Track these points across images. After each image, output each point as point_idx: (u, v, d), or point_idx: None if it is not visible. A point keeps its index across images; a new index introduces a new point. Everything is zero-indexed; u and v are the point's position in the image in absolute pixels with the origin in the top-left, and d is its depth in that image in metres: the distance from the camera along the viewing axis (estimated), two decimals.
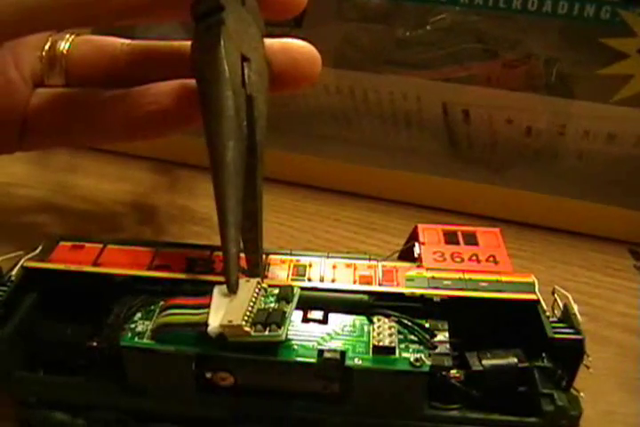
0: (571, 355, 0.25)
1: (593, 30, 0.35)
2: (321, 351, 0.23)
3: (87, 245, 0.28)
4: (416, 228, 0.30)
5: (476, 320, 0.26)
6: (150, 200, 0.41)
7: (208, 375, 0.24)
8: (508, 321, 0.26)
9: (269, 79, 0.27)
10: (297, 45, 0.29)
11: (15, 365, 0.25)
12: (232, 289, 0.24)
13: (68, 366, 0.25)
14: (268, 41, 0.28)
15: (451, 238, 0.30)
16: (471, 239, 0.30)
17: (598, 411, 0.29)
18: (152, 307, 0.25)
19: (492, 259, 0.29)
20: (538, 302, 0.26)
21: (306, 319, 0.25)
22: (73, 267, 0.27)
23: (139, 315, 0.25)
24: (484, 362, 0.25)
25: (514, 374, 0.25)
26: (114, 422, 0.25)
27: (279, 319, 0.23)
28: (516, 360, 0.25)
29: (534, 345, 0.25)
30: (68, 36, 0.30)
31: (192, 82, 0.27)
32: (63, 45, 0.30)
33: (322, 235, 0.39)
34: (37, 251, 0.27)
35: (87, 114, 0.29)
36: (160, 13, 0.26)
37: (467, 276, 0.27)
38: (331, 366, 0.23)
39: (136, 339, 0.24)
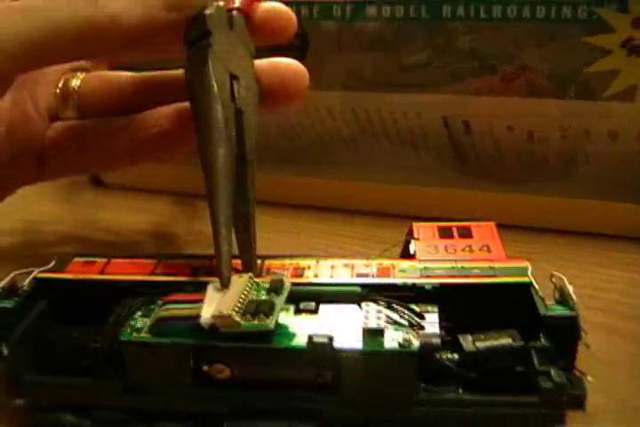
0: (566, 333, 0.25)
1: (574, 30, 0.35)
2: (310, 337, 0.24)
3: (99, 260, 0.30)
4: (411, 226, 0.31)
5: (470, 306, 0.26)
6: (169, 228, 0.43)
7: (205, 369, 0.25)
8: (503, 306, 0.26)
9: (259, 96, 0.29)
10: (285, 63, 0.31)
11: (25, 368, 0.26)
12: (224, 283, 0.25)
13: (75, 369, 0.26)
14: (257, 61, 0.30)
15: (445, 233, 0.30)
16: (465, 232, 0.30)
17: (612, 400, 0.28)
18: (152, 306, 0.26)
19: (485, 248, 0.29)
20: (530, 283, 0.26)
21: (298, 310, 0.26)
22: (79, 276, 0.28)
23: (139, 313, 0.26)
24: (478, 343, 0.25)
25: (509, 355, 0.25)
26: (119, 422, 0.26)
27: (268, 309, 0.24)
28: (510, 340, 0.25)
29: (529, 327, 0.25)
30: (79, 73, 0.33)
31: (188, 104, 0.29)
32: (75, 82, 0.32)
33: (336, 251, 0.41)
34: (50, 265, 0.29)
35: (97, 141, 0.32)
36: (157, 43, 0.28)
37: (459, 265, 0.28)
38: (320, 350, 0.24)
39: (134, 334, 0.25)
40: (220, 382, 0.25)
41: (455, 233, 0.30)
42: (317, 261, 0.29)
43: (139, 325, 0.25)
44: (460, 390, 0.25)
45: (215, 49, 0.27)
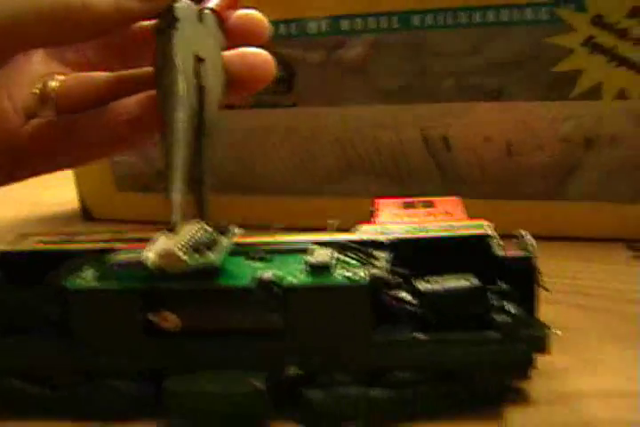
0: (523, 274, 0.24)
1: (537, 32, 0.37)
2: (257, 276, 0.23)
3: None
4: (374, 200, 0.31)
5: (430, 262, 0.25)
6: None
7: (152, 318, 0.24)
8: (462, 260, 0.25)
9: (226, 81, 0.30)
10: (251, 51, 0.32)
11: None
12: (173, 227, 0.25)
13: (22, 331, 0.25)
14: (225, 52, 0.31)
15: (408, 205, 0.30)
16: (428, 204, 0.30)
17: (582, 359, 0.28)
18: (101, 260, 0.26)
19: (447, 214, 0.29)
20: (488, 235, 0.26)
21: (247, 258, 0.25)
22: (35, 247, 0.28)
23: (87, 266, 0.25)
24: (433, 285, 0.24)
25: (465, 295, 0.24)
26: (66, 384, 0.25)
27: (214, 247, 0.23)
28: (466, 282, 0.24)
29: (488, 275, 0.24)
30: (57, 76, 0.34)
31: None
32: (53, 84, 0.34)
33: None
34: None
35: (69, 134, 0.33)
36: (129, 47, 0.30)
37: (419, 225, 0.27)
38: (267, 288, 0.23)
39: (81, 282, 0.24)
40: (168, 333, 0.24)
41: (418, 205, 0.30)
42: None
43: (85, 275, 0.25)
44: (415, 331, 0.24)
45: (181, 33, 0.28)
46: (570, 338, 0.27)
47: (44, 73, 0.34)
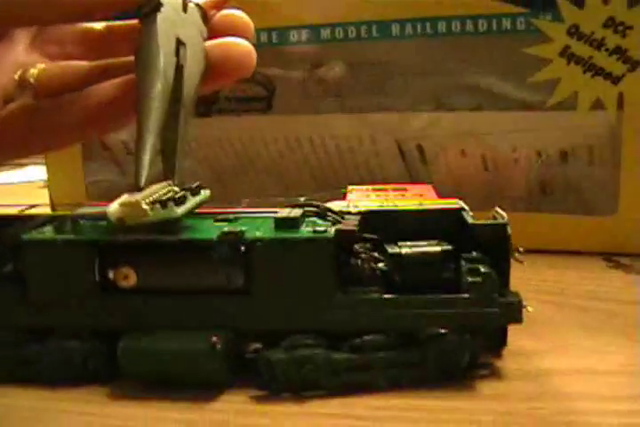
0: (496, 241, 0.23)
1: (514, 42, 0.37)
2: (220, 229, 0.22)
3: None
4: (346, 187, 0.30)
5: (400, 235, 0.25)
6: None
7: (110, 276, 0.23)
8: (433, 233, 0.25)
9: (205, 67, 0.30)
10: (232, 41, 0.32)
11: None
12: (138, 185, 0.24)
13: None
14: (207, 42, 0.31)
15: (379, 189, 0.30)
16: (400, 188, 0.30)
17: (552, 343, 0.27)
18: (63, 218, 0.25)
19: (418, 195, 0.28)
20: (462, 208, 0.25)
21: (215, 220, 0.25)
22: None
23: (48, 224, 0.25)
24: (404, 249, 0.23)
25: (437, 258, 0.23)
26: (11, 342, 0.23)
27: (179, 199, 0.23)
28: (438, 246, 0.23)
29: (460, 247, 0.24)
30: (38, 64, 0.34)
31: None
32: (33, 71, 0.34)
33: None
34: None
35: (45, 116, 0.32)
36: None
37: (390, 202, 0.27)
38: (231, 240, 0.22)
39: (38, 234, 0.23)
40: (125, 291, 0.23)
41: (389, 189, 0.30)
42: None
43: (45, 230, 0.24)
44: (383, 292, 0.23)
45: (164, 16, 0.29)
46: (540, 327, 0.27)
47: (26, 62, 0.34)
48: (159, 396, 0.22)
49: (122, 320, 0.23)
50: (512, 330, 0.24)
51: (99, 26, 0.34)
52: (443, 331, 0.22)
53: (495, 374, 0.24)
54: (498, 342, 0.24)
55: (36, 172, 0.72)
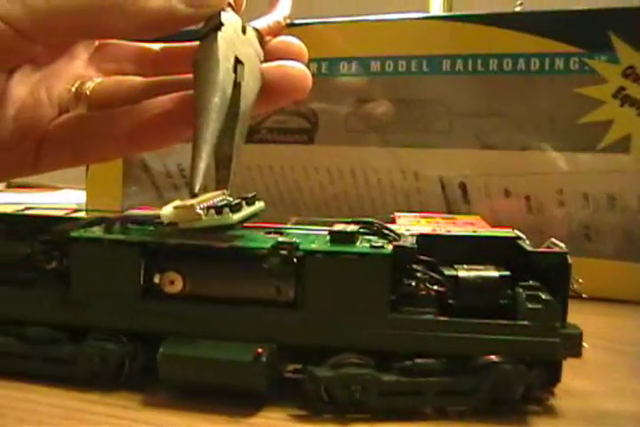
0: (555, 271, 0.23)
1: (566, 82, 0.37)
2: (274, 239, 0.22)
3: None
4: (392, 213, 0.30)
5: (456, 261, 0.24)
6: None
7: (156, 280, 0.22)
8: (489, 262, 0.24)
9: (261, 86, 0.30)
10: (290, 63, 0.32)
11: None
12: (192, 191, 0.24)
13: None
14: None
15: (428, 218, 0.29)
16: (449, 218, 0.29)
17: (606, 385, 0.26)
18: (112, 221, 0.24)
19: (469, 224, 0.27)
20: (519, 237, 0.25)
21: (269, 233, 0.24)
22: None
23: (97, 225, 0.24)
24: (461, 272, 0.22)
25: (494, 283, 0.22)
26: (47, 340, 0.23)
27: (234, 206, 0.22)
28: (495, 271, 0.22)
29: (517, 274, 0.23)
30: (95, 79, 0.35)
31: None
32: (89, 84, 0.34)
33: None
34: None
35: (96, 125, 0.32)
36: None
37: (442, 228, 0.26)
38: (284, 251, 0.21)
39: (86, 232, 0.23)
40: (170, 296, 0.22)
41: (438, 218, 0.29)
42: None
43: (93, 230, 0.24)
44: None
45: (224, 35, 0.29)
46: (592, 369, 0.26)
47: (83, 76, 0.35)
48: (195, 406, 0.21)
49: (163, 326, 0.22)
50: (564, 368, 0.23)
51: (156, 47, 0.35)
52: (498, 359, 0.21)
53: (549, 411, 0.22)
54: (551, 377, 0.23)
55: (72, 195, 0.73)
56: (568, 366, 0.22)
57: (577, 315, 0.23)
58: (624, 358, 0.29)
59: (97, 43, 0.34)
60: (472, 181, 0.41)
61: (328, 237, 0.22)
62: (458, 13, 0.42)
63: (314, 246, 0.22)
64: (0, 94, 0.30)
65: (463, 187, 0.41)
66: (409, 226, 0.26)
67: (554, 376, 0.23)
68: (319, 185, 0.44)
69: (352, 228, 0.23)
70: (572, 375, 0.23)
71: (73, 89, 0.34)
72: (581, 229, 0.40)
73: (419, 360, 0.21)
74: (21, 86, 0.31)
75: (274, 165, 0.45)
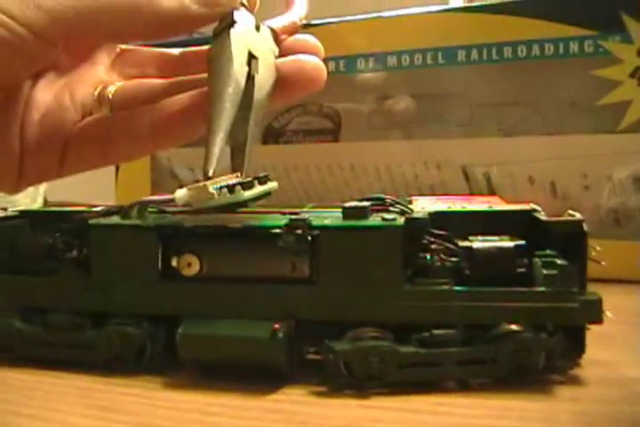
0: (571, 239, 0.22)
1: (582, 65, 0.37)
2: (288, 217, 0.22)
3: None
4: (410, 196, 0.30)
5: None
6: None
7: (174, 263, 0.23)
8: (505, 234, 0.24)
9: (275, 79, 0.31)
10: (305, 57, 0.33)
11: None
12: (206, 174, 0.24)
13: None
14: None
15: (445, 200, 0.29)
16: (466, 199, 0.29)
17: (631, 355, 0.25)
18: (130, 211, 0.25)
19: (486, 202, 0.27)
20: (535, 209, 0.24)
21: (283, 214, 0.24)
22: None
23: (115, 215, 0.25)
24: (476, 243, 0.22)
25: (509, 254, 0.22)
26: (70, 326, 0.23)
27: (246, 184, 0.23)
28: (510, 242, 0.22)
29: (533, 245, 0.23)
30: (117, 83, 0.36)
31: None
32: (111, 88, 0.35)
33: None
34: None
35: (119, 125, 0.33)
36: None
37: (458, 205, 0.26)
38: (298, 227, 0.22)
39: (105, 220, 0.23)
40: (188, 278, 0.23)
41: (456, 199, 0.29)
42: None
43: (112, 218, 0.24)
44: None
45: (238, 32, 0.30)
46: (618, 341, 0.26)
47: (105, 80, 0.36)
48: (215, 385, 0.22)
49: (182, 308, 0.23)
50: (588, 342, 0.22)
51: (175, 52, 0.35)
52: (517, 327, 0.21)
53: (573, 379, 0.22)
54: (575, 346, 0.22)
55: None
56: (594, 339, 0.22)
57: (608, 296, 0.22)
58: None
59: (118, 49, 0.35)
60: (495, 169, 0.41)
61: (341, 214, 0.22)
62: (475, 4, 0.42)
63: (327, 222, 0.22)
64: (25, 100, 0.31)
65: (487, 176, 0.41)
66: (425, 206, 0.26)
67: (578, 345, 0.22)
68: (344, 182, 0.45)
69: (364, 204, 0.23)
70: (598, 348, 0.23)
71: (96, 93, 0.34)
72: (611, 214, 0.39)
73: (437, 331, 0.21)
74: (46, 92, 0.32)
75: (299, 164, 0.45)
